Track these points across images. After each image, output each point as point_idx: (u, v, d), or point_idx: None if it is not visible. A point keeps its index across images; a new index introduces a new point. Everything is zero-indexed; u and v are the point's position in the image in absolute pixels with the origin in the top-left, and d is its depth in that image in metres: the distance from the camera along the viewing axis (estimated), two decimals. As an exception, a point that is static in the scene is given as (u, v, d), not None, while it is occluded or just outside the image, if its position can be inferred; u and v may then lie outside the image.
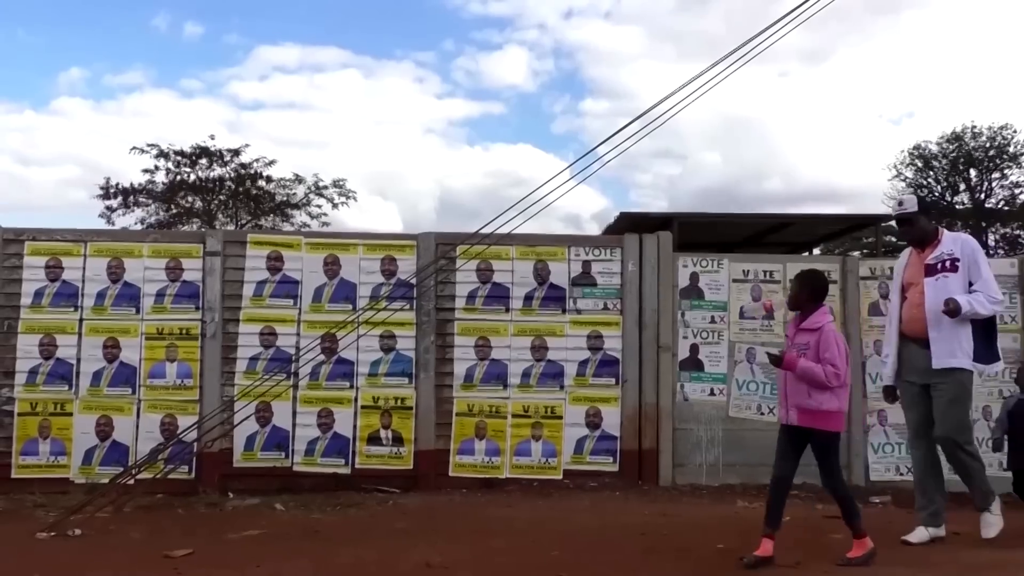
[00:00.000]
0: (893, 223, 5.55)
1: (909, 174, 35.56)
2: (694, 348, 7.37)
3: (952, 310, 4.97)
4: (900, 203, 5.38)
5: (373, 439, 7.12)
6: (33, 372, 6.99)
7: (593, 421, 7.24)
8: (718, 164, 54.79)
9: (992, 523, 5.21)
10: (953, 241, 5.28)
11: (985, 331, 5.17)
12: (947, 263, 5.20)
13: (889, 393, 5.53)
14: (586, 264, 7.40)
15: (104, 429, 6.97)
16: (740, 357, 7.35)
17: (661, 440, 7.25)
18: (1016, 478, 5.85)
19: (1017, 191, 34.29)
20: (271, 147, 63.13)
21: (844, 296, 7.45)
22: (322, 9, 57.48)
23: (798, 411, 4.63)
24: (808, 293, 4.72)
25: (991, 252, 31.72)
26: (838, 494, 4.68)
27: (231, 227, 25.26)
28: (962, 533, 5.50)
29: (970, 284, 5.15)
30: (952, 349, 5.07)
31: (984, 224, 34.19)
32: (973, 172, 34.72)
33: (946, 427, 5.10)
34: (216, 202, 27.22)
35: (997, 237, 34.68)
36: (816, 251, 15.89)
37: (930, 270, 5.24)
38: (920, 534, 5.17)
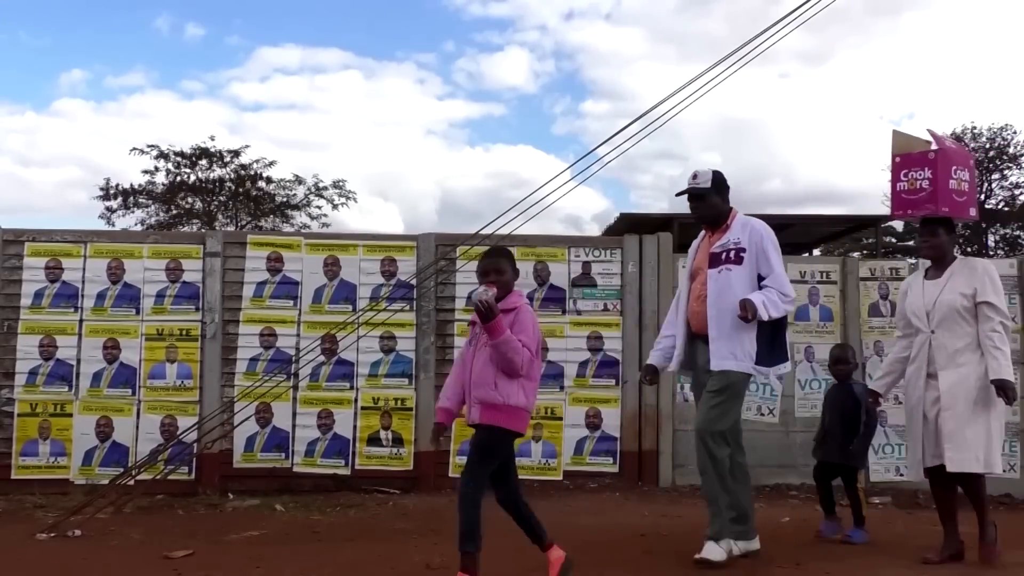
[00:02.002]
0: (685, 197, 4.80)
1: (909, 175, 35.53)
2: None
3: (746, 316, 4.39)
4: (694, 176, 4.74)
5: (373, 440, 7.12)
6: (33, 373, 7.00)
7: (593, 422, 7.24)
8: (718, 165, 54.48)
9: (712, 550, 4.48)
10: (742, 228, 4.66)
11: (773, 331, 4.61)
12: (731, 253, 4.60)
13: (648, 371, 5.02)
14: (586, 265, 7.40)
15: (104, 430, 6.97)
16: (740, 358, 7.34)
17: (661, 441, 7.25)
18: (822, 469, 5.35)
19: (1017, 192, 34.35)
20: (272, 148, 63.09)
21: (844, 297, 7.45)
22: (323, 11, 57.53)
23: (481, 406, 3.91)
24: (514, 272, 4.08)
25: (990, 253, 31.72)
26: (464, 510, 3.92)
27: (231, 228, 25.25)
28: (962, 533, 5.50)
29: (760, 279, 4.57)
30: (733, 350, 4.51)
31: (984, 225, 34.20)
32: (973, 173, 34.70)
33: (700, 420, 4.59)
34: (216, 203, 27.21)
35: (997, 238, 34.72)
36: (816, 252, 15.92)
37: (714, 260, 4.66)
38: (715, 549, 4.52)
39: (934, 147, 4.78)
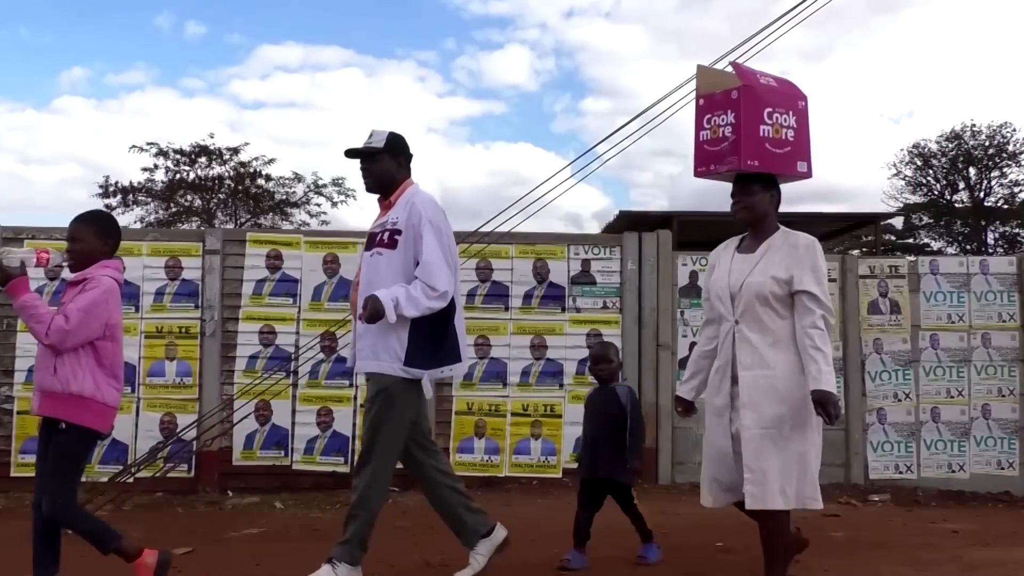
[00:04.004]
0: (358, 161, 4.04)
1: (908, 172, 35.65)
2: (694, 347, 7.35)
3: (370, 316, 3.64)
4: (370, 135, 4.04)
5: (372, 437, 7.11)
6: (32, 370, 6.98)
7: (592, 419, 7.24)
8: (716, 162, 54.65)
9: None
10: (404, 205, 3.90)
11: (434, 327, 3.83)
12: (386, 235, 3.87)
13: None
14: (585, 263, 7.40)
15: (103, 428, 6.97)
16: (739, 355, 7.35)
17: (660, 439, 7.26)
18: (586, 489, 4.51)
19: (1016, 189, 34.34)
20: (272, 146, 63.06)
21: (843, 294, 7.45)
22: (324, 9, 57.47)
23: (41, 394, 3.48)
24: (101, 241, 3.63)
25: (990, 250, 31.69)
26: (76, 526, 3.55)
27: (230, 226, 25.25)
28: (961, 531, 5.51)
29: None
30: (376, 349, 3.79)
31: (983, 222, 34.22)
32: (972, 170, 34.76)
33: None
34: (215, 201, 27.22)
35: (996, 235, 34.72)
36: (815, 249, 15.90)
37: (370, 241, 3.97)
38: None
39: (738, 85, 3.76)
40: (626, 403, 4.51)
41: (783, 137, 3.77)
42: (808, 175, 3.89)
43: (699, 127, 3.88)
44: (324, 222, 27.75)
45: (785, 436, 3.49)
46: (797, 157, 3.83)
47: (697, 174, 3.92)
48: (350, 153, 4.04)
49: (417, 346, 3.78)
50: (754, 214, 3.72)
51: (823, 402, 3.37)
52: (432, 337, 3.83)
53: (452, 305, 3.86)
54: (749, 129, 3.70)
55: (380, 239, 3.88)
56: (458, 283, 3.95)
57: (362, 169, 4.05)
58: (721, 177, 3.87)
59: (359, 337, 3.89)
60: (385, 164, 3.99)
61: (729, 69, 4.00)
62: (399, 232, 3.84)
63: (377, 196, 4.09)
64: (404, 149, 4.05)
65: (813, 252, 3.59)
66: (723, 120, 3.77)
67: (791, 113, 3.82)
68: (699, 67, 4.00)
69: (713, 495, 3.74)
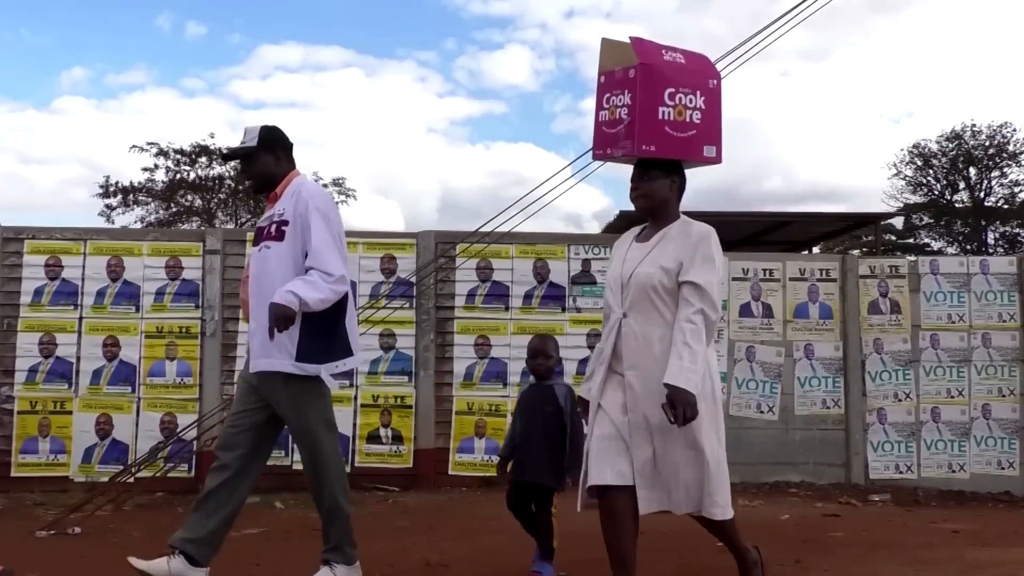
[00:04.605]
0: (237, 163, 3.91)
1: (909, 172, 35.68)
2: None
3: (278, 323, 3.49)
4: (244, 133, 3.91)
5: (373, 437, 7.12)
6: (33, 370, 6.99)
7: (593, 419, 7.24)
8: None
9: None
10: (291, 195, 3.79)
11: (326, 320, 3.69)
12: (274, 228, 3.75)
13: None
14: (585, 263, 7.40)
15: (104, 427, 6.98)
16: (740, 356, 7.36)
17: (661, 438, 7.25)
18: (515, 492, 4.17)
19: (1016, 189, 34.36)
20: (271, 146, 62.95)
21: (844, 294, 7.46)
22: (324, 9, 57.49)
23: None
24: None
25: (990, 250, 31.68)
26: None
27: (231, 225, 25.25)
28: (961, 531, 5.51)
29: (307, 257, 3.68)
30: (267, 346, 3.65)
31: (984, 222, 34.22)
32: (973, 170, 34.78)
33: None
34: (216, 200, 27.23)
35: (997, 235, 34.72)
36: (815, 249, 15.93)
37: (257, 235, 3.87)
38: (160, 567, 3.78)
39: (636, 62, 3.39)
40: (564, 404, 4.14)
41: (687, 119, 3.41)
42: (717, 160, 3.55)
43: (599, 106, 3.54)
44: (325, 222, 27.75)
45: (672, 440, 3.21)
46: (703, 141, 3.46)
47: (595, 157, 3.61)
48: (226, 157, 3.90)
49: (308, 341, 3.65)
50: (652, 201, 3.43)
51: (672, 400, 3.06)
52: (323, 331, 3.69)
53: (344, 297, 3.72)
54: (646, 111, 3.35)
55: (268, 232, 3.77)
56: (347, 273, 3.79)
57: (241, 171, 3.92)
58: (622, 160, 3.54)
59: (251, 336, 3.79)
60: (263, 161, 3.88)
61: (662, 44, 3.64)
62: (286, 223, 3.73)
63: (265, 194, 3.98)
64: (280, 141, 3.94)
65: (707, 242, 3.30)
66: (620, 100, 3.42)
67: (698, 93, 3.44)
68: (603, 40, 3.60)
69: (583, 494, 3.42)
